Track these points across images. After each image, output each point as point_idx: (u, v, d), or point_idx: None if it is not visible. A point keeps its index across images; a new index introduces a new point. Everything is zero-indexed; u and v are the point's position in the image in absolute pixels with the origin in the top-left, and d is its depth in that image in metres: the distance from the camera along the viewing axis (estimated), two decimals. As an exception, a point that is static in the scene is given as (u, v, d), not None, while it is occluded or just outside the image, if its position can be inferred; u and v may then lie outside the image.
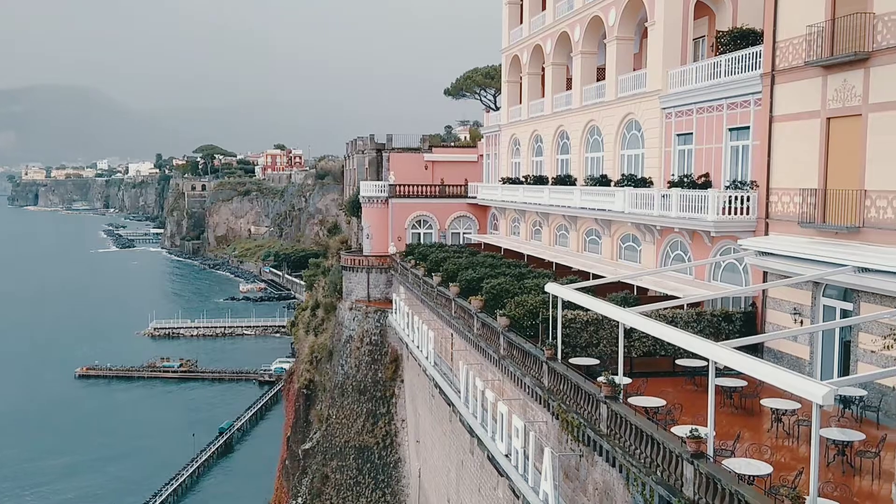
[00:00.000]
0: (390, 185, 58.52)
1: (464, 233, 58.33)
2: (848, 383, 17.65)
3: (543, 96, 47.16)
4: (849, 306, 21.71)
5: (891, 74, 20.49)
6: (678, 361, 24.02)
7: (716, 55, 30.61)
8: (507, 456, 24.72)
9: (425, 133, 69.79)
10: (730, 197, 26.69)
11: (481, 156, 62.05)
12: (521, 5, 50.61)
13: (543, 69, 47.13)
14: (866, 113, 21.48)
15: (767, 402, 19.81)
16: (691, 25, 32.68)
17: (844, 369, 21.72)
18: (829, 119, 22.98)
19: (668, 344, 22.86)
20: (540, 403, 23.50)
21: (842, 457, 17.09)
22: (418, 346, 40.26)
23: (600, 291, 26.46)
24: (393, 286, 54.50)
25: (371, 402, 53.31)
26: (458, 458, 33.85)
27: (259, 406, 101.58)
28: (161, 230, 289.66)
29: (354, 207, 66.19)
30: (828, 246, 22.14)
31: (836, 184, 22.59)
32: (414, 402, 47.00)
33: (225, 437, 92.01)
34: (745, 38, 29.27)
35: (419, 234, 58.12)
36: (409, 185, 58.48)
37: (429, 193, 58.52)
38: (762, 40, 26.48)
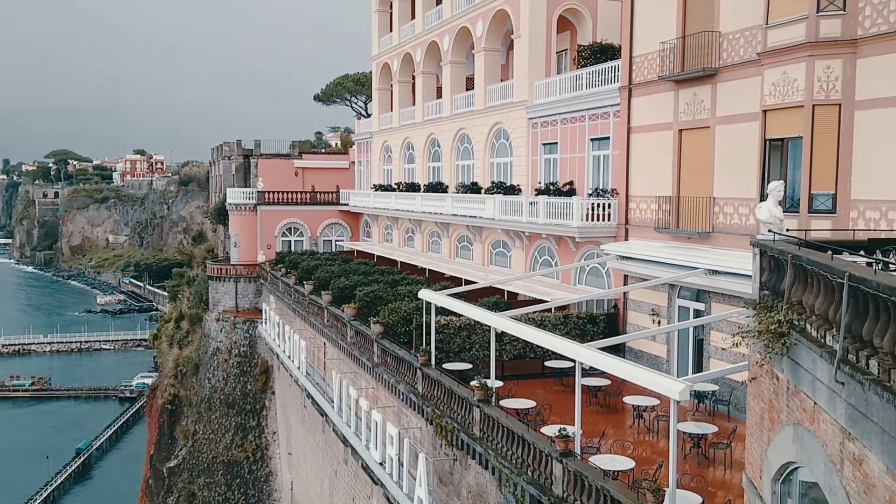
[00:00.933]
0: (259, 191, 57.17)
1: (336, 240, 57.79)
2: (701, 379, 18.77)
3: (414, 104, 47.53)
4: (701, 306, 23.12)
5: (735, 89, 22.03)
6: (547, 363, 24.76)
7: (577, 68, 31.90)
8: (381, 464, 24.63)
9: (295, 139, 68.70)
10: (592, 204, 27.84)
11: (353, 162, 61.74)
12: (391, 14, 50.83)
13: (414, 77, 47.51)
14: (714, 125, 22.99)
15: (630, 400, 20.76)
16: (554, 39, 33.88)
17: (698, 366, 23.11)
18: (681, 131, 24.42)
19: (538, 346, 23.56)
20: (414, 410, 23.58)
21: (697, 449, 18.16)
22: (290, 357, 39.48)
23: (472, 297, 26.90)
24: (263, 296, 53.20)
25: (240, 415, 51.76)
26: (332, 469, 33.41)
27: (120, 424, 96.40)
28: (9, 240, 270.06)
29: (221, 215, 64.15)
30: (682, 250, 23.50)
31: (689, 192, 24.02)
32: (285, 413, 46.01)
33: (82, 458, 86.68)
34: (604, 52, 30.68)
35: (290, 241, 57.07)
36: (278, 192, 57.32)
37: (299, 200, 57.60)
38: (620, 55, 27.82)
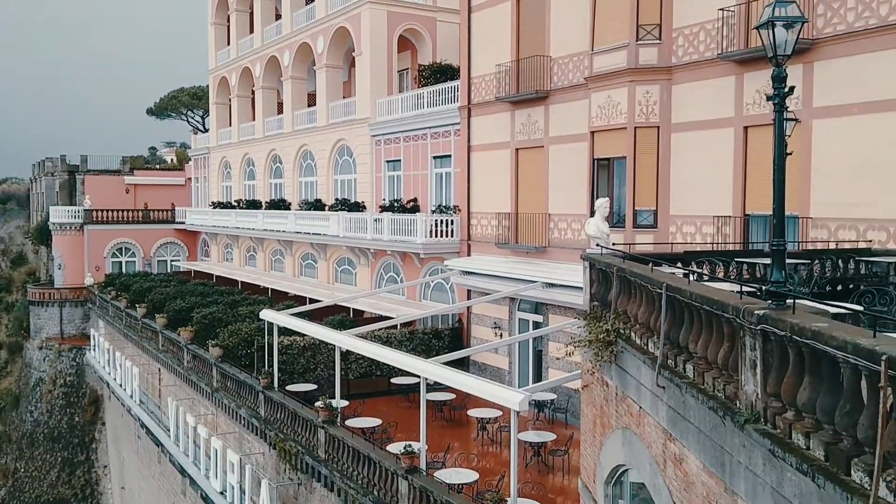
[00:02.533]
0: (86, 210, 53.66)
1: (171, 260, 55.19)
2: (539, 389, 19.43)
3: (254, 119, 46.42)
4: (540, 318, 24.00)
5: (566, 111, 23.15)
6: (393, 380, 24.77)
7: (419, 87, 32.40)
8: (222, 493, 23.64)
9: (127, 154, 65.12)
10: (436, 220, 28.28)
11: (189, 179, 59.32)
12: (228, 27, 49.49)
13: (254, 92, 46.42)
14: (547, 145, 24.04)
15: (473, 413, 21.15)
16: (396, 58, 34.24)
17: (538, 376, 23.94)
18: (517, 149, 25.35)
19: (384, 363, 23.51)
20: (257, 435, 22.84)
21: (538, 457, 18.76)
22: (121, 385, 37.19)
23: (317, 315, 26.49)
24: (91, 321, 49.82)
25: (67, 449, 48.07)
26: (170, 501, 31.68)
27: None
28: None
29: (43, 235, 59.59)
30: (520, 264, 24.33)
31: (526, 208, 24.94)
32: (117, 445, 43.20)
33: None
34: (444, 72, 31.36)
35: (121, 262, 53.93)
36: (107, 211, 54.07)
37: (131, 219, 54.61)
38: (459, 75, 28.53)
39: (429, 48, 34.74)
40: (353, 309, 30.30)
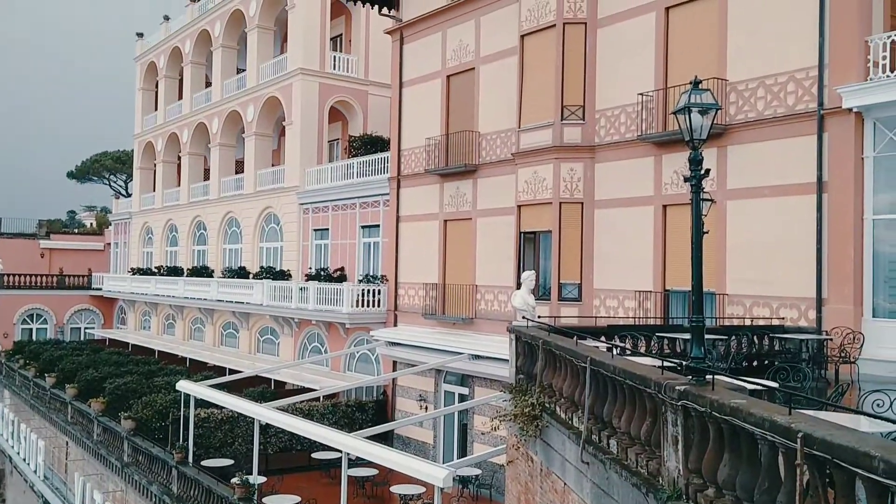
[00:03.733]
0: (-4, 273, 51.32)
1: (86, 327, 53.00)
2: (464, 464, 19.15)
3: (180, 185, 45.70)
4: (466, 391, 23.83)
5: (494, 185, 23.58)
6: (314, 455, 24.02)
7: (349, 157, 32.60)
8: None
9: (44, 218, 62.97)
10: (363, 290, 28.08)
11: (109, 244, 57.61)
12: (157, 93, 49.10)
13: (180, 157, 45.84)
14: (475, 217, 24.36)
15: (397, 489, 20.61)
16: (326, 128, 34.47)
17: (463, 451, 23.62)
18: (446, 221, 25.59)
19: (305, 437, 22.82)
20: (168, 513, 21.68)
21: (462, 534, 18.31)
22: (25, 459, 34.96)
23: (237, 387, 25.67)
24: (-5, 390, 47.03)
25: (-41, 531, 44.59)
26: (71, 587, 29.56)
27: None
28: None
29: (-53, 299, 56.52)
30: (447, 335, 24.26)
31: (454, 279, 25.03)
32: (17, 525, 40.31)
33: None
34: (374, 143, 31.70)
35: (31, 329, 51.47)
36: (18, 275, 51.81)
37: (44, 284, 52.42)
38: (390, 147, 28.86)
39: (360, 119, 35.14)
40: (275, 380, 29.52)
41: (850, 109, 15.17)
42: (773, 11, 16.59)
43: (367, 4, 29.09)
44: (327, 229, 32.33)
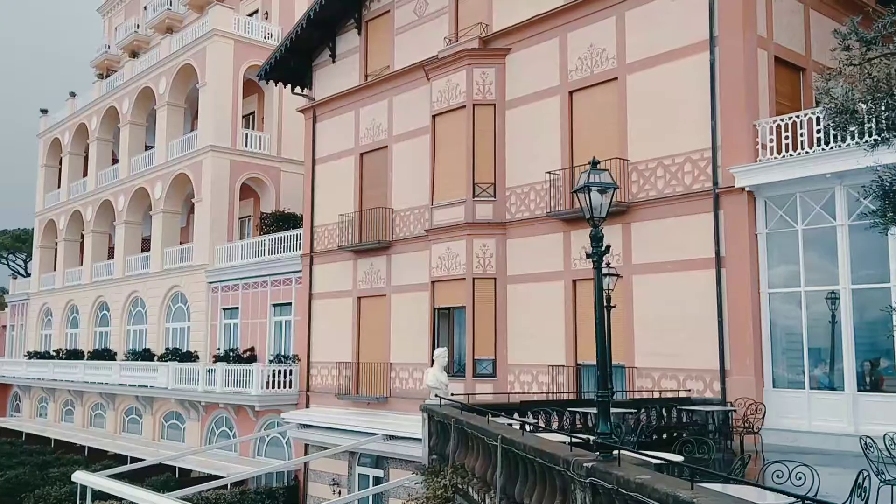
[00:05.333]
0: None
1: (-26, 416, 49.48)
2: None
3: (82, 264, 43.98)
4: (380, 473, 23.22)
5: (408, 261, 23.63)
6: (221, 546, 22.77)
7: (260, 234, 32.19)
8: None
9: (-69, 299, 59.25)
10: (274, 371, 27.32)
11: (4, 327, 54.53)
12: (60, 169, 47.68)
13: (83, 236, 44.27)
14: (390, 294, 24.25)
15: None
16: (237, 205, 34.03)
17: (378, 535, 22.83)
18: (360, 298, 25.37)
19: (210, 528, 21.67)
20: None
21: None
22: None
23: (139, 476, 24.31)
24: None
25: None
26: None
27: None
28: None
29: None
30: (361, 416, 23.73)
31: (368, 357, 24.68)
32: None
33: None
34: (286, 220, 31.45)
35: (-88, 420, 47.69)
36: None
37: (-71, 370, 49.00)
38: (302, 224, 28.66)
39: (272, 196, 34.87)
40: (180, 468, 28.10)
41: (742, 189, 16.00)
42: (669, 97, 17.52)
43: (280, 84, 29.31)
44: (237, 308, 31.54)
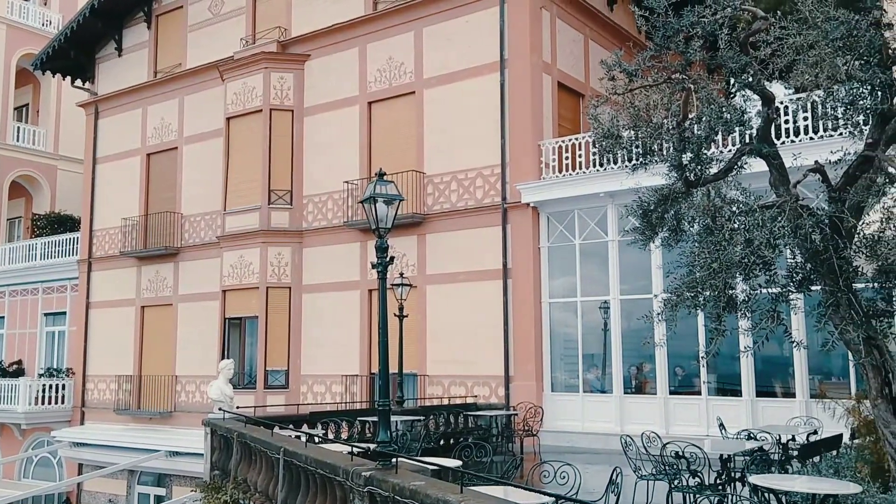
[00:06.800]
0: None
1: None
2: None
3: None
4: (163, 492, 21.95)
5: (197, 268, 22.58)
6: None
7: (32, 237, 29.45)
8: None
9: None
10: (44, 385, 25.04)
11: None
12: None
13: None
14: (176, 303, 23.05)
15: None
16: (6, 205, 30.93)
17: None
18: (143, 307, 23.89)
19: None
20: None
21: None
22: None
23: None
24: None
25: None
26: None
27: None
28: None
29: None
30: (142, 432, 22.34)
31: (152, 370, 23.28)
32: None
33: None
34: (63, 223, 29.05)
35: None
36: None
37: None
38: (80, 227, 26.55)
39: (47, 196, 32.00)
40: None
41: (527, 204, 16.90)
42: (463, 114, 18.14)
43: (59, 75, 27.04)
44: (3, 317, 28.58)
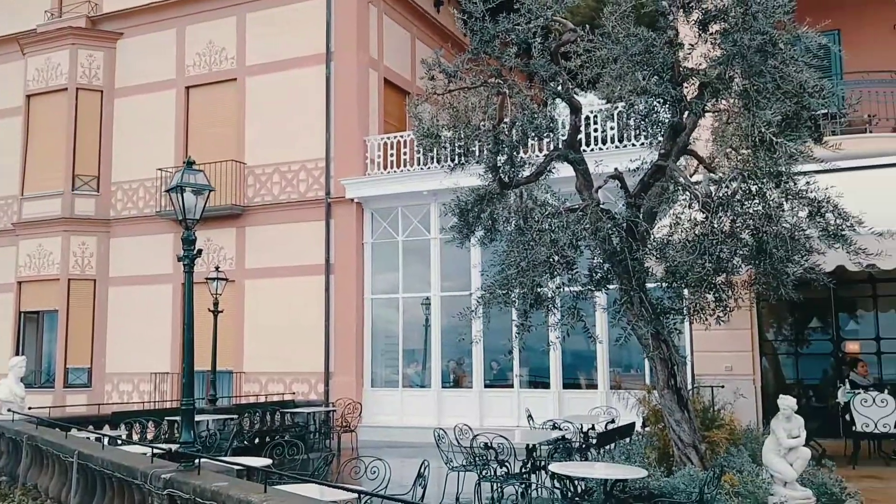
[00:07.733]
0: None
1: None
2: None
3: None
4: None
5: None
6: None
7: None
8: None
9: None
10: None
11: None
12: None
13: None
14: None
15: None
16: None
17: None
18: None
19: None
20: None
21: None
22: None
23: None
24: None
25: None
26: None
27: None
28: None
29: None
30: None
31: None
32: None
33: None
34: None
35: None
36: None
37: None
38: None
39: None
40: None
41: (352, 200, 16.84)
42: (288, 104, 17.76)
43: None
44: None
